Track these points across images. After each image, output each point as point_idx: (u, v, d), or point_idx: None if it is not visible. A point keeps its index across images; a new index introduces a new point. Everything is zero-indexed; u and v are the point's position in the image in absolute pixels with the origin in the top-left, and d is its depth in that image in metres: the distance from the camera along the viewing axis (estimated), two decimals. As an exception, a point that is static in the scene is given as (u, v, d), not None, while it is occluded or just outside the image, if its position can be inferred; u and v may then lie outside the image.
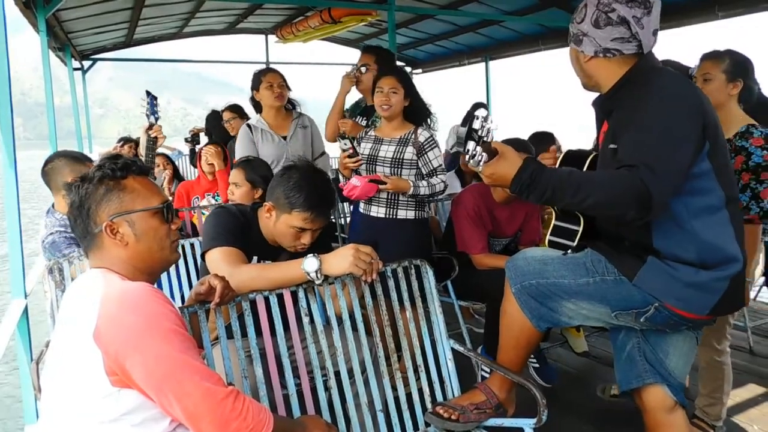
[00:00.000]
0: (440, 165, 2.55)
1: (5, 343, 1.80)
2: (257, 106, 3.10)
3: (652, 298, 1.42)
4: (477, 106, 6.09)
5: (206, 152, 3.57)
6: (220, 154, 3.53)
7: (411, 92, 2.57)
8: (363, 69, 3.01)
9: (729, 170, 1.45)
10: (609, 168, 1.40)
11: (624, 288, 1.46)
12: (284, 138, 3.02)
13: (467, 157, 1.30)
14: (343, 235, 4.00)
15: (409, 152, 2.52)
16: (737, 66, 2.13)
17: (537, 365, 2.75)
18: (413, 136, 2.54)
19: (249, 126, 3.06)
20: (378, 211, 2.62)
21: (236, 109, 4.38)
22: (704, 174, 1.37)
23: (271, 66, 3.07)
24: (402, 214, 2.58)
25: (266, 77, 2.99)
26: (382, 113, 2.56)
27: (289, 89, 3.06)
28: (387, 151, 2.56)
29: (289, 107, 3.12)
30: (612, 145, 1.43)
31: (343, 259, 1.63)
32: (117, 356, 1.04)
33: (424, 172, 2.56)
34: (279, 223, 1.78)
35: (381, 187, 2.48)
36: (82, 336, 1.06)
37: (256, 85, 3.03)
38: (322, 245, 1.88)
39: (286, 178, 1.78)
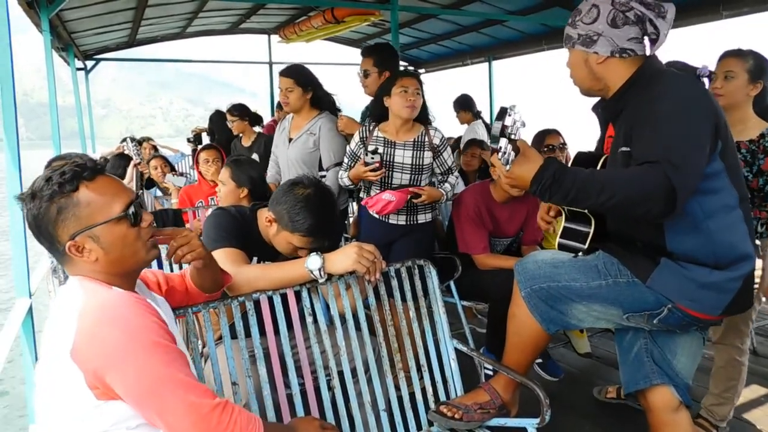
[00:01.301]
0: (453, 163, 2.59)
1: (10, 342, 1.81)
2: None
3: (665, 300, 1.42)
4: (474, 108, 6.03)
5: (206, 168, 3.53)
6: (219, 170, 3.46)
7: (423, 94, 2.55)
8: (364, 74, 2.97)
9: (739, 170, 1.45)
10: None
11: (637, 290, 1.45)
12: (290, 140, 3.01)
13: (499, 154, 1.27)
14: (346, 235, 3.99)
15: (428, 156, 2.52)
16: (759, 67, 2.11)
17: (540, 361, 2.75)
18: (427, 138, 2.51)
19: (283, 120, 3.11)
20: (398, 219, 2.59)
21: (238, 111, 4.39)
22: (717, 173, 1.37)
23: (285, 65, 2.96)
24: (422, 218, 2.60)
25: (280, 80, 2.92)
26: (406, 115, 2.46)
27: (307, 90, 2.89)
28: (404, 156, 2.52)
29: (316, 107, 2.97)
30: (624, 148, 1.42)
31: (346, 257, 1.63)
32: (96, 373, 1.01)
33: (439, 172, 2.58)
34: (279, 236, 1.77)
35: (417, 200, 2.45)
36: (61, 354, 1.03)
37: None
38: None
39: (293, 197, 1.72)
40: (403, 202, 2.47)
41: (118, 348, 1.02)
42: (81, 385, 1.02)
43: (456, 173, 2.61)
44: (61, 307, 1.11)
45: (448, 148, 2.57)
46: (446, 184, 2.58)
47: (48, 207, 1.10)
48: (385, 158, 2.52)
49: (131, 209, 1.16)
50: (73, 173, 1.11)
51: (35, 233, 1.14)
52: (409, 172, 2.51)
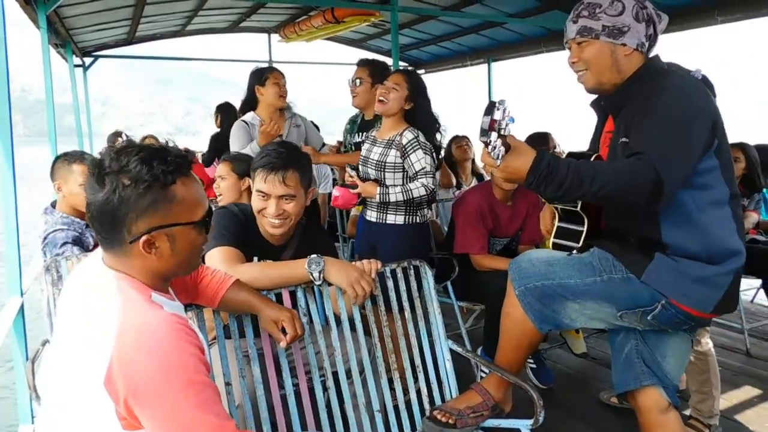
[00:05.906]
0: (423, 168, 2.41)
1: (1, 341, 1.79)
2: (253, 103, 3.07)
3: (659, 296, 1.45)
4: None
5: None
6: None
7: (416, 97, 2.49)
8: (357, 82, 2.97)
9: (731, 168, 1.49)
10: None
11: (632, 286, 1.48)
12: (280, 137, 3.01)
13: (489, 148, 1.27)
14: (343, 234, 3.99)
15: (393, 155, 2.46)
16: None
17: (534, 366, 2.75)
18: (399, 138, 2.47)
19: (245, 122, 3.05)
20: (371, 215, 2.61)
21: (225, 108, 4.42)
22: (712, 170, 1.43)
23: (274, 65, 3.08)
24: (391, 219, 2.55)
25: (273, 75, 3.02)
26: (377, 106, 2.52)
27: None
28: (376, 153, 2.54)
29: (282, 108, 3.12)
30: (624, 139, 1.47)
31: (344, 274, 1.64)
32: (127, 403, 0.96)
33: (409, 175, 2.48)
34: (253, 194, 1.81)
35: (352, 191, 2.49)
36: (94, 378, 0.96)
37: (260, 81, 3.02)
38: (323, 245, 1.87)
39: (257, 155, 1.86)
40: (350, 198, 2.58)
41: (153, 383, 0.95)
42: (110, 415, 0.98)
43: (425, 180, 2.41)
44: (93, 303, 1.03)
45: (419, 152, 2.41)
46: (401, 185, 2.46)
47: (142, 195, 1.00)
48: (365, 155, 2.62)
49: (207, 218, 1.11)
50: (176, 165, 1.03)
51: (102, 213, 1.01)
52: (374, 168, 2.54)
